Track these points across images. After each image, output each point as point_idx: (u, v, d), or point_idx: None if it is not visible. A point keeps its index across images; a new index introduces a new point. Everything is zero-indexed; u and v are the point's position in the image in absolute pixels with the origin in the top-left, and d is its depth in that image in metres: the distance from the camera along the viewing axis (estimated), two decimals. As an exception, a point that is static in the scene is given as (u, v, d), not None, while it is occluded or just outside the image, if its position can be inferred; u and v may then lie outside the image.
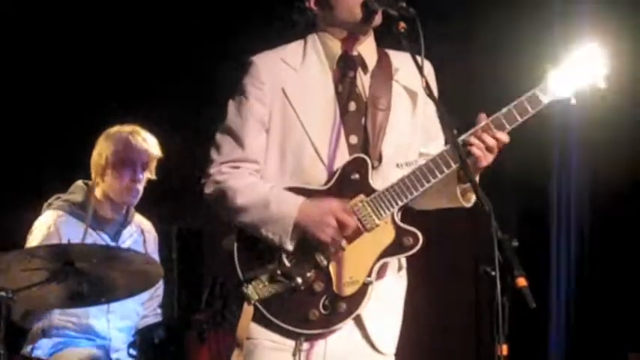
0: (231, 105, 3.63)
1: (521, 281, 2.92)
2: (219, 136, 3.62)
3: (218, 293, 4.80)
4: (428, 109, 3.67)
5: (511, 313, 2.94)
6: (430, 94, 3.37)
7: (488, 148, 3.49)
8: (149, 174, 5.10)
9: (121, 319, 5.05)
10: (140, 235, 5.20)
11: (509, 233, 2.99)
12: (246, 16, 5.80)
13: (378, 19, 3.57)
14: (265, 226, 3.49)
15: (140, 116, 5.22)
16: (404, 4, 3.45)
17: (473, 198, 3.62)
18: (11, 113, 6.01)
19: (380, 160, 3.58)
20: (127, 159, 5.03)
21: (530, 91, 3.55)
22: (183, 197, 5.24)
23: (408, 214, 3.63)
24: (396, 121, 3.62)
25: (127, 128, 5.11)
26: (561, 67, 3.55)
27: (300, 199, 3.50)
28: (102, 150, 5.08)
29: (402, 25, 3.43)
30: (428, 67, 3.56)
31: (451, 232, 6.38)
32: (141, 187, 5.09)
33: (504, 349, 2.95)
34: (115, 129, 5.12)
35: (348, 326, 3.53)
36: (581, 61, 3.54)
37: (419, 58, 3.41)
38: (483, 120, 3.53)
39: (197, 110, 5.63)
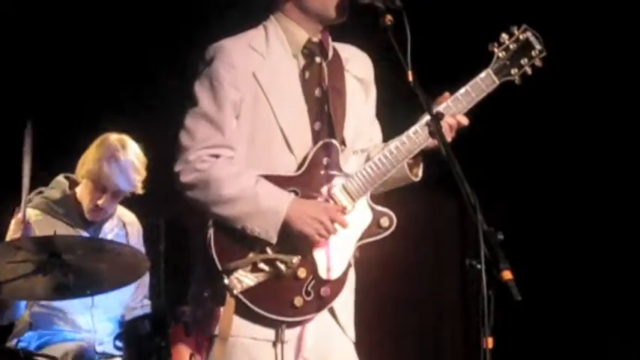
0: (202, 89, 3.56)
1: (507, 274, 2.91)
2: (191, 121, 3.54)
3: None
4: (371, 98, 3.77)
5: (497, 305, 2.95)
6: (415, 87, 3.33)
7: (450, 129, 3.60)
8: (128, 193, 5.03)
9: (104, 313, 5.03)
10: (122, 228, 5.16)
11: (494, 226, 2.99)
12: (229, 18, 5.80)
13: (346, 16, 3.61)
14: (251, 220, 3.46)
15: (129, 112, 5.19)
16: (390, -3, 3.46)
17: (420, 172, 3.72)
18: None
19: (344, 145, 3.62)
20: (97, 183, 4.95)
21: (484, 72, 3.69)
22: (171, 190, 5.22)
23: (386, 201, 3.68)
24: (352, 109, 3.66)
25: (115, 145, 4.96)
26: (506, 48, 3.71)
27: (290, 196, 3.50)
28: (87, 158, 5.00)
29: (389, 17, 3.43)
30: (368, 60, 3.71)
31: (437, 225, 6.40)
32: (108, 209, 5.02)
33: (490, 342, 2.95)
34: (107, 142, 4.99)
35: (322, 312, 3.55)
36: (523, 42, 3.73)
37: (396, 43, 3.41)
38: (446, 99, 3.63)
39: (184, 105, 5.61)
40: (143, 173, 5.01)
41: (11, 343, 4.95)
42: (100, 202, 4.96)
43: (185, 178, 3.51)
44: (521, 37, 3.73)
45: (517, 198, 6.26)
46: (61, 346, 4.92)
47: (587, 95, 6.09)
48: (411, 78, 3.33)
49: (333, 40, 3.71)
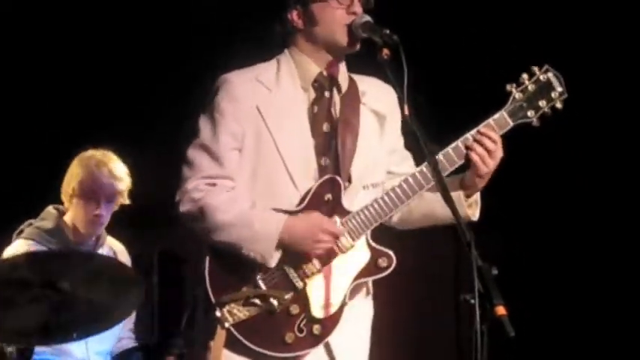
0: (204, 121, 3.58)
1: (500, 310, 2.91)
2: (192, 153, 3.57)
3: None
4: (399, 130, 3.72)
5: (490, 341, 2.94)
6: (411, 122, 3.33)
7: (487, 151, 3.54)
8: (117, 205, 5.04)
9: (99, 343, 5.00)
10: (113, 256, 5.13)
11: (489, 261, 2.99)
12: (224, 38, 5.79)
13: (357, 46, 3.59)
14: (247, 245, 3.46)
15: (117, 140, 5.17)
16: (388, 32, 3.45)
17: (476, 213, 3.66)
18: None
19: (349, 181, 3.58)
20: (90, 192, 4.95)
21: (497, 113, 3.61)
22: (163, 221, 5.22)
23: (384, 237, 3.65)
24: (364, 143, 3.63)
25: (97, 155, 5.02)
26: (524, 89, 3.63)
27: (283, 217, 3.48)
28: (71, 177, 5.02)
29: (386, 52, 3.43)
30: (391, 92, 3.59)
31: (432, 260, 6.39)
32: (105, 219, 5.02)
33: (483, 377, 2.94)
34: (87, 155, 5.05)
35: (317, 352, 3.53)
36: (543, 83, 3.64)
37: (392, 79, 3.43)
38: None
39: (174, 133, 5.61)
40: (129, 179, 5.04)
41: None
42: (97, 211, 4.97)
43: (183, 208, 3.53)
44: (541, 77, 3.63)
45: (513, 234, 6.25)
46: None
47: (583, 129, 6.10)
48: (407, 112, 3.33)
49: (355, 72, 3.71)
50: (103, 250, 5.12)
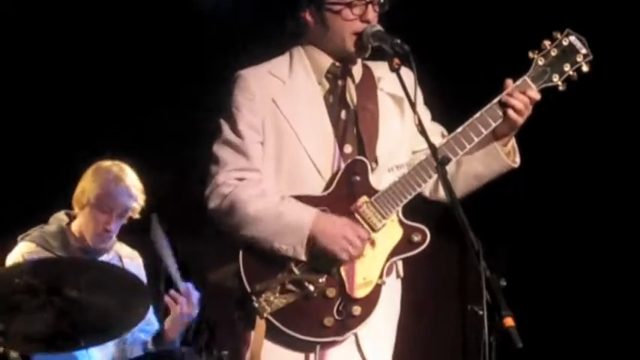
0: (224, 118, 3.62)
1: (509, 321, 2.90)
2: (217, 149, 3.61)
3: (204, 328, 4.79)
4: (422, 106, 3.71)
5: (498, 352, 2.94)
6: (422, 131, 3.34)
7: (525, 107, 3.56)
8: (126, 219, 5.04)
9: (101, 350, 4.99)
10: (118, 261, 5.12)
11: (497, 272, 2.98)
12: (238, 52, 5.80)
13: (366, 53, 3.63)
14: (278, 238, 3.46)
15: (129, 147, 5.19)
16: (398, 41, 3.46)
17: (517, 159, 3.67)
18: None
19: (376, 163, 3.60)
20: (105, 206, 4.95)
21: (520, 79, 3.63)
22: (172, 230, 5.22)
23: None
24: (386, 127, 3.65)
25: (115, 169, 5.01)
26: (546, 54, 3.64)
27: (314, 210, 3.48)
28: (86, 187, 5.01)
29: (397, 61, 3.45)
30: (407, 73, 3.51)
31: (439, 270, 6.39)
32: (114, 232, 5.03)
33: (492, 388, 2.94)
34: (105, 168, 5.03)
35: (346, 343, 3.52)
36: (566, 47, 3.65)
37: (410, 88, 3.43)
38: (510, 85, 3.59)
39: (186, 143, 5.62)
40: (143, 196, 5.05)
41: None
42: (108, 225, 4.98)
43: (212, 204, 3.55)
44: (563, 41, 3.65)
45: (520, 244, 6.25)
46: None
47: (589, 136, 6.10)
48: (417, 122, 3.33)
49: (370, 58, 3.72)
50: (108, 256, 5.12)
